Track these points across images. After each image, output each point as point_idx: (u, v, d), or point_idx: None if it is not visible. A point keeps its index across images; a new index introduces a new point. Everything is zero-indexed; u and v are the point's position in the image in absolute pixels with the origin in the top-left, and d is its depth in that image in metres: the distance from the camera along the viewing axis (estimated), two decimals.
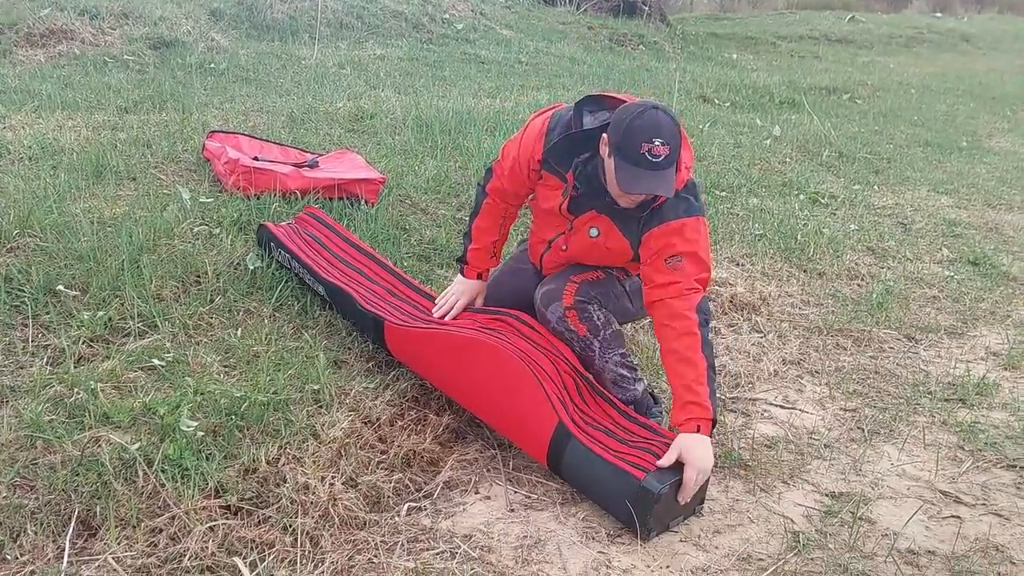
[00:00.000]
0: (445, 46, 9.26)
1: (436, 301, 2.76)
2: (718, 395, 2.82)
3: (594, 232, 2.49)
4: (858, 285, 3.99)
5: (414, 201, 3.94)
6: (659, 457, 2.20)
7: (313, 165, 3.81)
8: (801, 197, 5.20)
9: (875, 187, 5.80)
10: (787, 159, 6.08)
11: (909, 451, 2.68)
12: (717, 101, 8.21)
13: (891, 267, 4.25)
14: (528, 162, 2.53)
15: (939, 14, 24.02)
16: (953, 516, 2.36)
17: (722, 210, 4.66)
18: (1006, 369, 3.29)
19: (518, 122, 5.47)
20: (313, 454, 2.25)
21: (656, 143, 2.17)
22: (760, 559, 2.14)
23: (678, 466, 2.18)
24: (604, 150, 2.31)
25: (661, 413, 2.63)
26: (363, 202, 3.67)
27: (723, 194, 4.96)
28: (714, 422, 2.23)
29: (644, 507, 2.13)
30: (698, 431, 2.19)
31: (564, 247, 2.61)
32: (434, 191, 4.08)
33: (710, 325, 2.35)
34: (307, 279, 2.92)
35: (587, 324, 2.52)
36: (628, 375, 2.57)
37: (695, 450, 2.16)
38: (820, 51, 15.18)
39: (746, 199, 4.95)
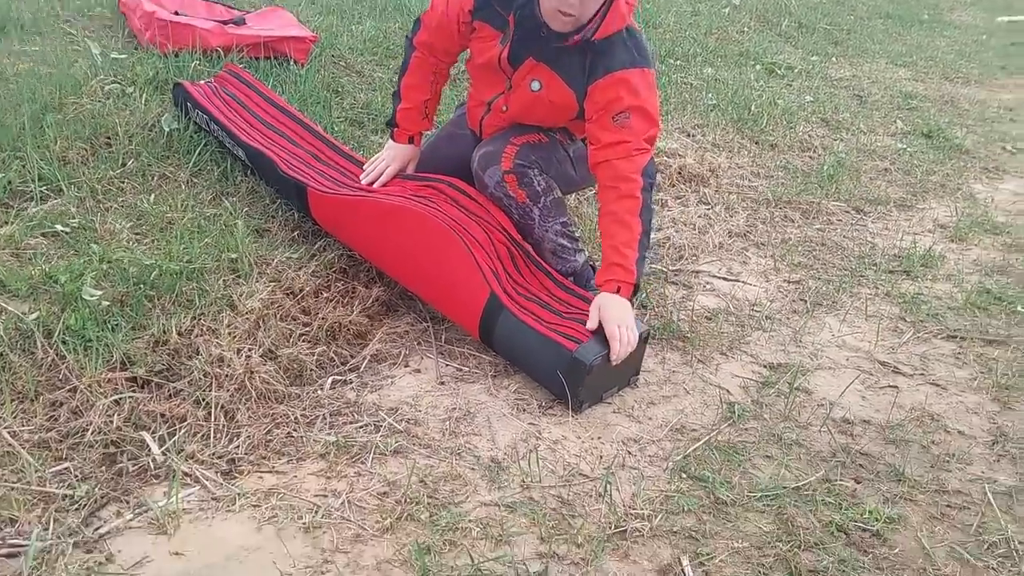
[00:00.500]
0: None
1: (364, 167, 2.58)
2: (657, 266, 2.74)
3: (536, 86, 2.32)
4: (810, 157, 3.88)
5: (348, 63, 3.69)
6: (592, 330, 2.11)
7: (240, 22, 3.53)
8: (757, 67, 5.02)
9: (833, 59, 5.63)
10: (745, 28, 5.86)
11: (851, 322, 2.63)
12: None
13: (844, 139, 4.15)
14: (458, 14, 2.32)
15: None
16: (890, 386, 2.34)
17: (676, 79, 4.47)
18: (952, 241, 3.24)
19: None
20: (229, 325, 2.11)
21: None
22: (694, 429, 2.09)
23: (601, 340, 2.10)
24: None
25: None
26: (292, 62, 3.42)
27: (677, 63, 4.76)
28: (636, 287, 2.15)
29: (576, 378, 2.05)
30: (618, 292, 2.12)
31: (504, 107, 2.43)
32: (371, 52, 3.83)
33: (653, 190, 2.22)
34: (227, 143, 2.72)
35: (527, 190, 2.38)
36: (568, 245, 2.45)
37: (612, 308, 2.11)
38: None
39: (701, 68, 4.76)
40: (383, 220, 2.31)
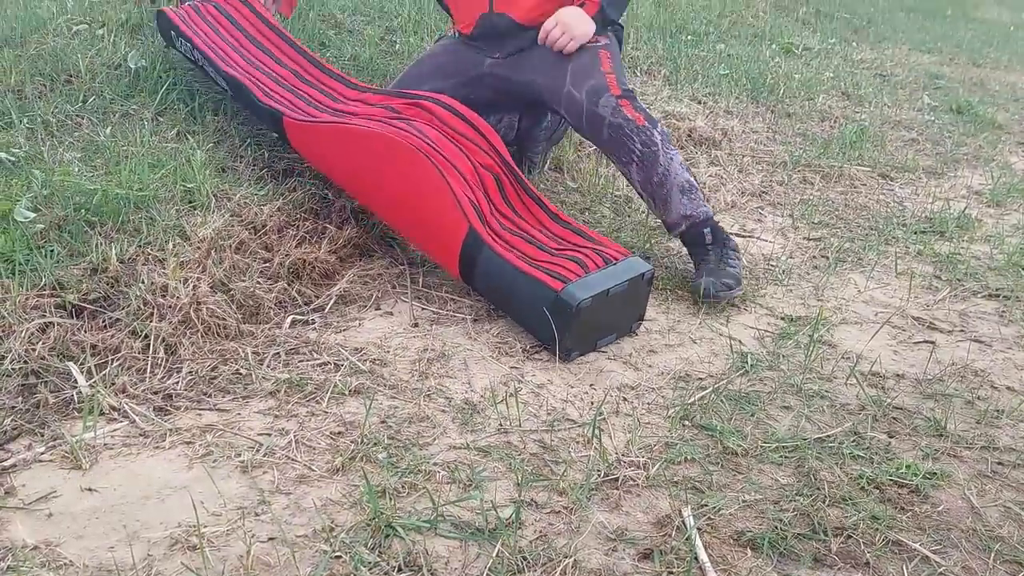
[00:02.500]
0: None
1: None
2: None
3: None
4: (830, 126, 3.62)
5: (338, 21, 3.48)
6: (585, 268, 1.86)
7: None
8: (773, 47, 4.77)
9: (853, 44, 5.38)
10: (760, 13, 5.62)
11: (879, 279, 2.37)
12: None
13: (867, 111, 3.89)
14: None
15: None
16: (926, 341, 2.07)
17: (685, 52, 4.23)
18: (989, 206, 2.97)
19: None
20: (177, 255, 1.87)
21: None
22: (700, 378, 1.83)
23: (606, 277, 1.85)
24: None
25: (739, 260, 2.19)
26: (277, 14, 3.20)
27: (688, 38, 4.52)
28: (605, 17, 2.25)
29: (563, 320, 1.80)
30: (582, 6, 2.24)
31: None
32: (363, 12, 3.62)
33: None
34: (210, 72, 2.48)
35: (643, 112, 2.19)
36: (695, 183, 2.20)
37: (563, 11, 2.24)
38: None
39: (713, 45, 4.52)
40: (355, 146, 2.08)
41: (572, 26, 2.22)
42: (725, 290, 2.07)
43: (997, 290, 2.35)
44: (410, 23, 3.64)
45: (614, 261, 1.90)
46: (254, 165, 2.37)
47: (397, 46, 3.42)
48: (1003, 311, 2.25)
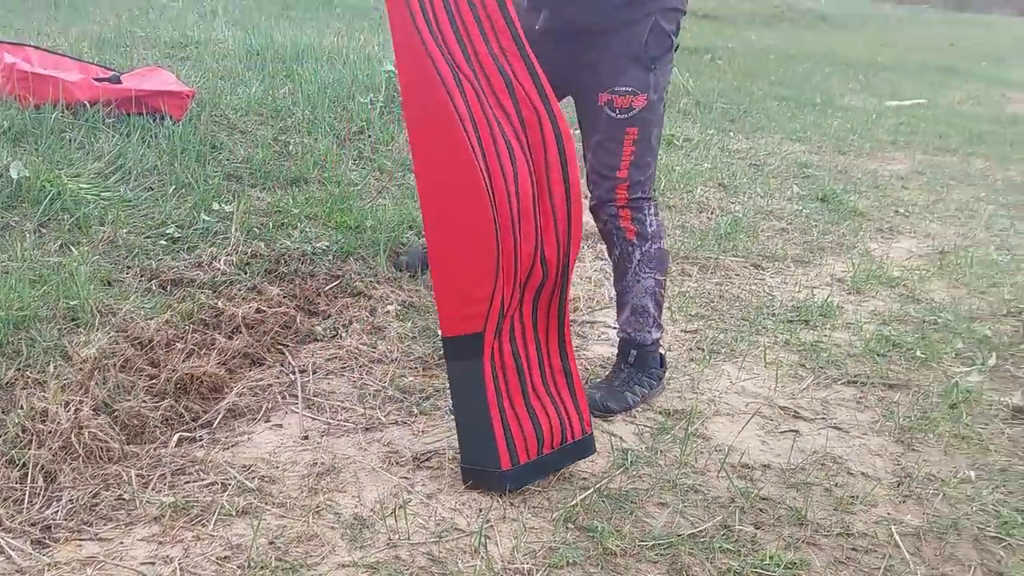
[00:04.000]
0: None
1: None
2: None
3: None
4: (707, 217, 3.85)
5: (231, 121, 3.53)
6: (540, 449, 1.86)
7: (116, 81, 3.35)
8: None
9: (730, 133, 5.73)
10: None
11: (749, 369, 2.52)
12: None
13: (741, 202, 4.15)
14: None
15: None
16: (791, 430, 2.21)
17: None
18: (850, 293, 3.20)
19: (363, 57, 5.11)
20: (58, 377, 1.86)
21: None
22: (584, 478, 1.91)
23: (552, 462, 1.90)
24: None
25: (660, 381, 2.30)
26: (167, 118, 3.24)
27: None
28: None
29: (491, 485, 1.83)
30: None
31: None
32: (256, 111, 3.68)
33: None
34: None
35: (638, 227, 2.22)
36: (652, 312, 2.25)
37: None
38: (684, 23, 15.28)
39: None
40: (443, 149, 1.81)
41: None
42: (603, 411, 2.17)
43: (855, 376, 2.53)
44: (304, 123, 3.72)
45: (571, 442, 1.92)
46: (142, 276, 2.38)
47: (291, 147, 3.49)
48: (860, 397, 2.42)
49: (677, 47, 2.24)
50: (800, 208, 4.16)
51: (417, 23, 1.81)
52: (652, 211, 2.25)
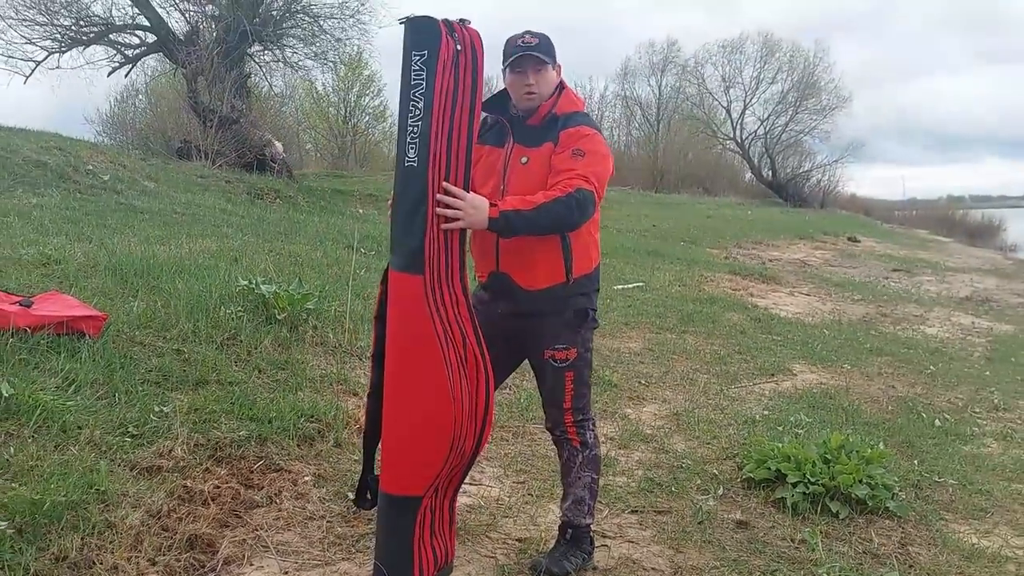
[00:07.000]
0: (98, 196, 9.32)
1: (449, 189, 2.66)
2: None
3: (524, 160, 2.89)
4: (510, 392, 5.05)
5: (131, 336, 4.26)
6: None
7: (28, 305, 3.99)
8: None
9: None
10: None
11: None
12: (363, 251, 9.11)
13: (530, 381, 5.40)
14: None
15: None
16: (603, 545, 3.33)
17: None
18: (620, 448, 4.48)
19: (199, 267, 5.90)
20: (112, 541, 2.59)
21: (525, 35, 2.85)
22: None
23: None
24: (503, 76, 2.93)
25: (584, 561, 3.05)
26: (88, 336, 3.94)
27: None
28: (503, 216, 2.64)
29: None
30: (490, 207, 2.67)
31: (503, 188, 2.89)
32: (145, 327, 4.43)
33: (571, 206, 2.71)
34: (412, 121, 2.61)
35: (581, 437, 3.02)
36: (589, 503, 3.03)
37: (476, 200, 2.63)
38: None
39: None
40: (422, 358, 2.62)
41: (467, 213, 2.60)
42: (542, 573, 2.95)
43: (635, 507, 3.74)
44: (189, 334, 4.50)
45: (444, 566, 2.84)
46: (123, 466, 3.10)
47: (185, 354, 4.26)
48: (641, 520, 3.63)
49: (595, 312, 3.09)
50: None
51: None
52: (591, 427, 3.08)
